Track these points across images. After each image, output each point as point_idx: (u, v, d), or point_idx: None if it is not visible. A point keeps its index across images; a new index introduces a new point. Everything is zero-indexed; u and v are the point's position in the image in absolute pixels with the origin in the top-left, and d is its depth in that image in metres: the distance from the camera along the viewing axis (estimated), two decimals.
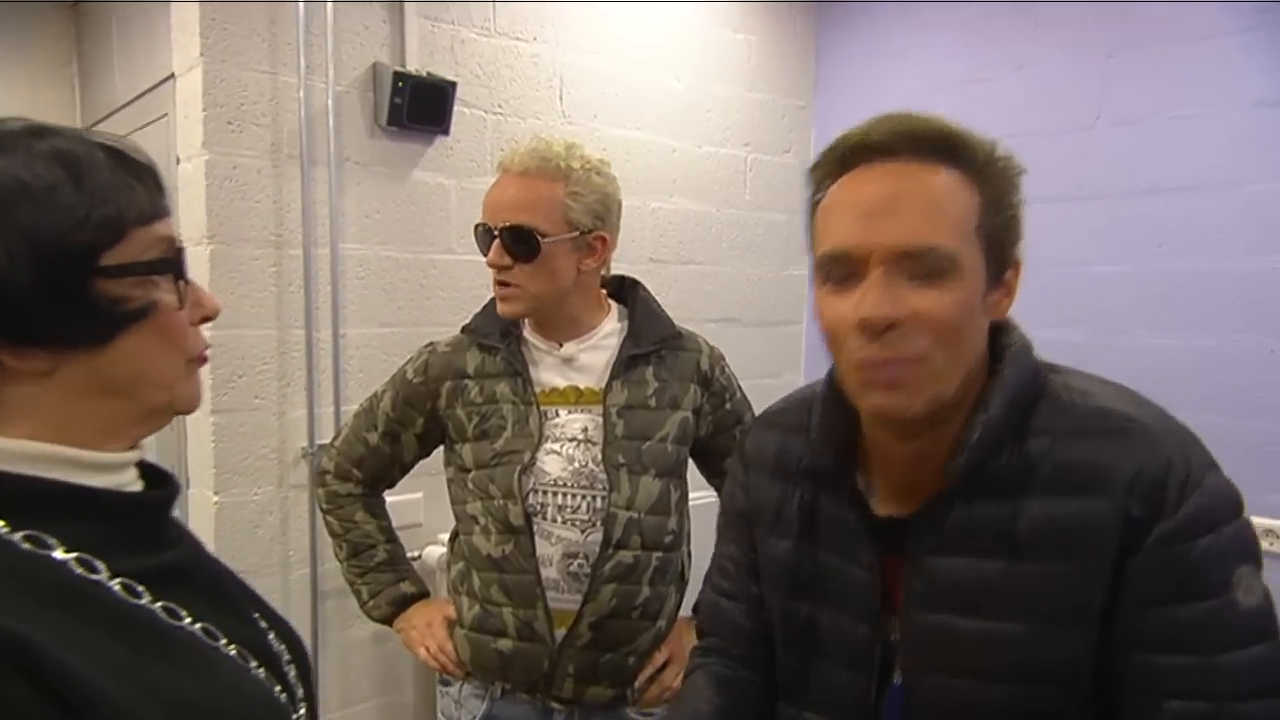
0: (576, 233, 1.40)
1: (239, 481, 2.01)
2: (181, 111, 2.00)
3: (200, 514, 2.03)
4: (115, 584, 0.63)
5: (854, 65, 3.00)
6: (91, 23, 2.83)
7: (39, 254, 0.61)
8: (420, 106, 2.15)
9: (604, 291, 1.55)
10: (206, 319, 0.72)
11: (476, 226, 1.43)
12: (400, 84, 2.10)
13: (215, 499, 1.98)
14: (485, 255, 1.41)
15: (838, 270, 0.80)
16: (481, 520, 1.44)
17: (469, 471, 1.47)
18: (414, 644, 1.54)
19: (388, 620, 1.57)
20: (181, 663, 0.63)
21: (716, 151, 2.85)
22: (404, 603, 1.56)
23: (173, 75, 2.03)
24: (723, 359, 1.59)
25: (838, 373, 0.87)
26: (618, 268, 2.68)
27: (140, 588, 0.64)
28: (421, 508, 2.21)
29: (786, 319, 3.11)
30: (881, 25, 2.92)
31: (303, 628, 2.05)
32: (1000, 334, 0.87)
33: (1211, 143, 2.22)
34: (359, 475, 1.57)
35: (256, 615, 0.77)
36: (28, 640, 0.53)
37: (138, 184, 0.66)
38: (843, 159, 0.81)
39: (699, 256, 2.83)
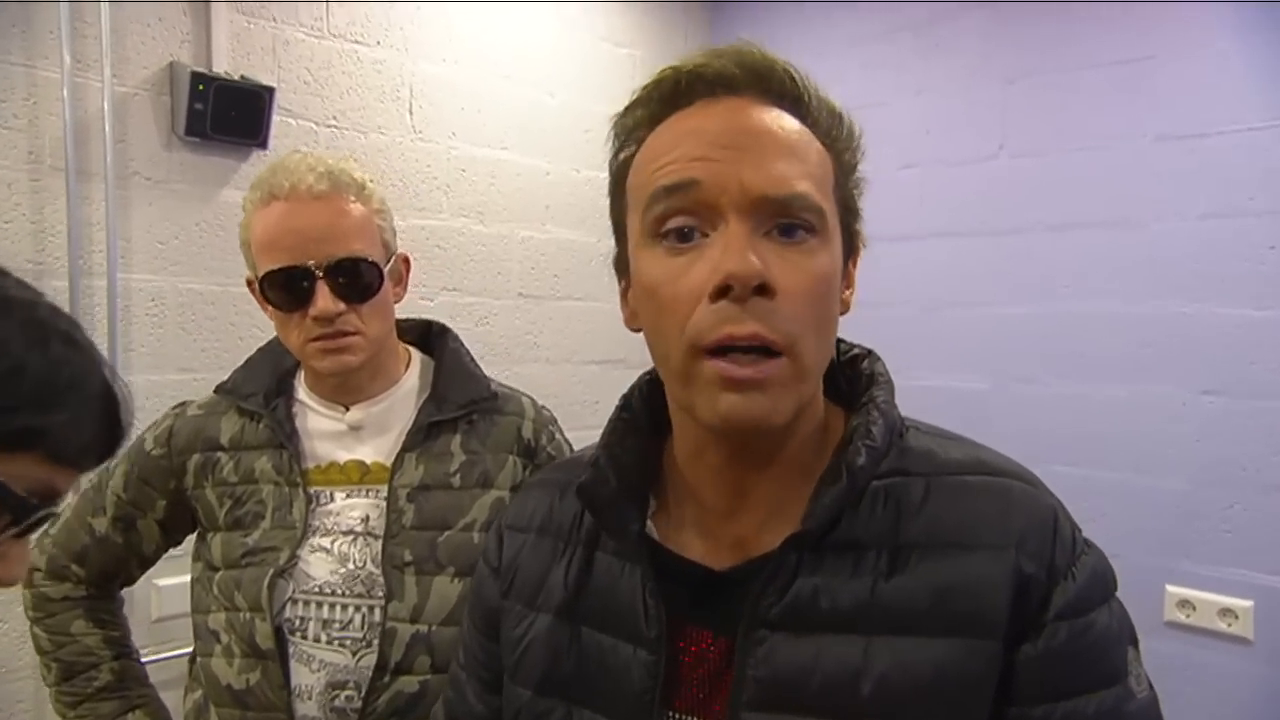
0: (391, 258, 1.16)
1: None
2: None
3: None
4: None
5: None
6: None
7: None
8: (228, 115, 1.82)
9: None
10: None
11: (272, 274, 1.07)
12: (200, 87, 1.78)
13: None
14: (289, 308, 1.08)
15: (678, 217, 0.60)
16: (224, 638, 1.11)
17: (216, 571, 1.15)
18: None
19: None
20: None
21: (596, 176, 2.56)
22: None
23: None
24: (553, 423, 1.29)
25: (664, 374, 0.65)
26: (479, 302, 2.46)
27: None
28: None
29: None
30: (779, 42, 2.71)
31: None
32: (853, 361, 0.72)
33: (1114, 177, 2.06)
34: (80, 573, 1.22)
35: None
36: None
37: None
38: (673, 94, 0.63)
39: (576, 291, 2.55)
